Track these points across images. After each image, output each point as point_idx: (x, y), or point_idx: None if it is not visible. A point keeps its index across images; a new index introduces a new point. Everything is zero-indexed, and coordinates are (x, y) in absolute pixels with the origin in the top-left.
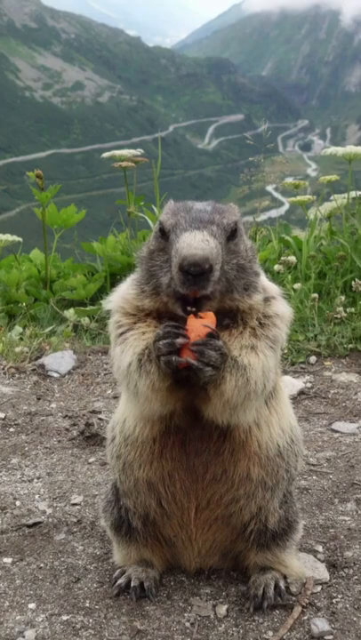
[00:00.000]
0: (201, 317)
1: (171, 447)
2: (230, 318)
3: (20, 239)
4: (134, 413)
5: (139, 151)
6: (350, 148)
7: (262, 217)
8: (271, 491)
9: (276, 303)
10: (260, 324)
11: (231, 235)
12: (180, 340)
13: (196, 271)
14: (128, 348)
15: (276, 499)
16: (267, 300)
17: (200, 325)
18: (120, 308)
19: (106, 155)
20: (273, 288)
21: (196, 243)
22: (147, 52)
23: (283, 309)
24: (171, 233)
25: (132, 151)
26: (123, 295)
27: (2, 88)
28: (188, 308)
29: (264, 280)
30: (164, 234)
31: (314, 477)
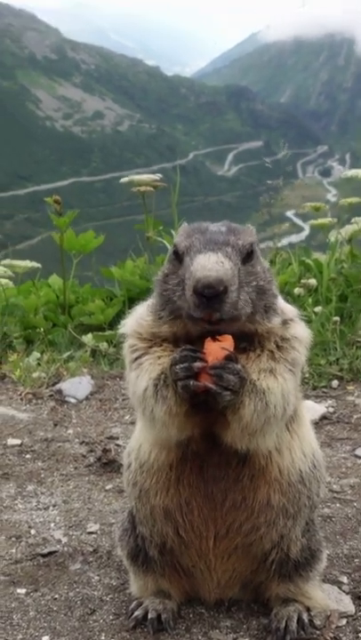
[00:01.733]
0: (219, 340)
1: (188, 474)
2: (247, 341)
3: (39, 265)
4: (150, 439)
5: (157, 176)
6: None
7: (282, 242)
8: (293, 518)
9: (295, 325)
10: (278, 347)
11: (247, 256)
12: (197, 364)
13: (210, 293)
14: (144, 372)
15: (298, 527)
16: (285, 322)
17: (218, 348)
18: (135, 333)
19: (124, 180)
20: (291, 310)
21: (210, 264)
22: (165, 81)
23: (301, 332)
24: (185, 255)
25: (151, 176)
26: (139, 320)
27: (23, 119)
28: (216, 337)
29: (281, 302)
30: (178, 256)
31: (337, 505)
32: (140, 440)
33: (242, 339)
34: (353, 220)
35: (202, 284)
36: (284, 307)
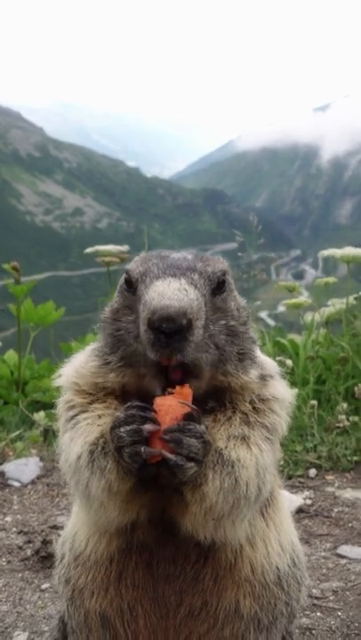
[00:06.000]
0: (171, 393)
1: (133, 570)
2: (216, 400)
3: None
4: (87, 524)
5: (125, 247)
6: (349, 250)
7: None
8: (267, 631)
9: (274, 383)
10: (253, 408)
11: (218, 287)
12: (148, 427)
13: (169, 328)
14: (78, 435)
15: None
16: (263, 378)
17: (174, 404)
18: (73, 385)
19: (89, 250)
20: (270, 364)
21: (170, 292)
22: (145, 182)
23: (282, 391)
24: (139, 283)
25: (118, 247)
26: (78, 369)
27: (4, 213)
28: (169, 389)
29: (260, 353)
30: (130, 285)
31: (318, 614)
32: (77, 526)
33: (208, 396)
34: (330, 302)
35: (159, 317)
36: (264, 359)
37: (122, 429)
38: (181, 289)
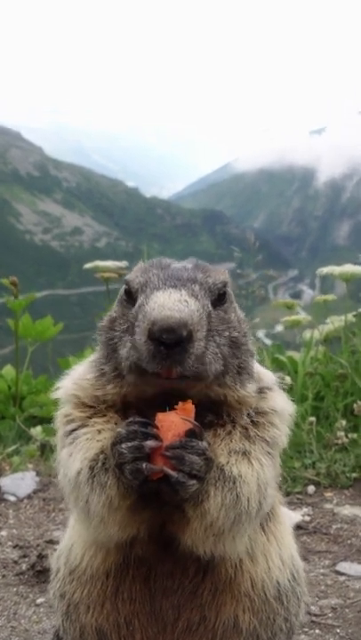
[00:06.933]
0: (174, 409)
1: (130, 584)
2: (214, 413)
3: None
4: (84, 538)
5: (123, 263)
6: (347, 267)
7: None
8: None
9: (273, 396)
10: (252, 422)
11: (219, 299)
12: (150, 443)
13: (169, 339)
14: (78, 450)
15: None
16: (261, 390)
17: (177, 420)
18: (72, 397)
19: (88, 265)
20: (268, 376)
21: (170, 303)
22: (144, 202)
23: (281, 404)
24: (139, 294)
25: (117, 263)
26: (77, 381)
27: (3, 231)
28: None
29: (257, 365)
30: (130, 296)
31: (317, 631)
32: (73, 539)
33: (207, 409)
34: (328, 320)
35: (159, 328)
36: (261, 371)
37: (123, 446)
38: (182, 300)
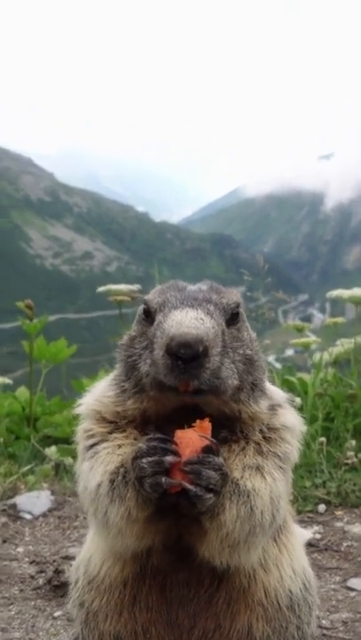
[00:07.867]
0: (193, 427)
1: (147, 593)
2: (228, 429)
3: (10, 381)
4: (102, 549)
5: (136, 287)
6: (357, 291)
7: None
8: None
9: (284, 413)
10: (264, 437)
11: (232, 318)
12: (169, 459)
13: (187, 354)
14: (98, 464)
15: None
16: (272, 407)
17: (195, 437)
18: (93, 413)
19: (101, 289)
20: (278, 393)
21: (187, 321)
22: (154, 227)
23: (292, 420)
24: (157, 313)
25: (129, 286)
26: (98, 397)
27: (14, 256)
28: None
29: (268, 384)
30: (149, 315)
31: None
32: (92, 550)
33: (221, 425)
34: (338, 342)
35: (177, 343)
36: (272, 389)
37: (144, 460)
38: (198, 318)
